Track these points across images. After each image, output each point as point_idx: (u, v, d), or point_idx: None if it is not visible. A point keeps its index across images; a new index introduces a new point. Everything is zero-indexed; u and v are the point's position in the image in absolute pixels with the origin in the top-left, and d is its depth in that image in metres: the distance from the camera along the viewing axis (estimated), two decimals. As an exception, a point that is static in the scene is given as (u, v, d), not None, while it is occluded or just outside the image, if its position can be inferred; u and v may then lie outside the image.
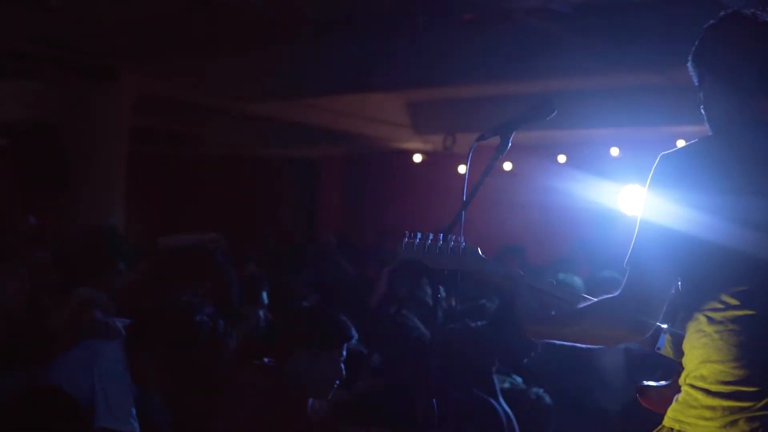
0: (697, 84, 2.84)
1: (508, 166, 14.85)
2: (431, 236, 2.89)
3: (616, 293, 2.58)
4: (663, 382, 2.75)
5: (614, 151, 14.34)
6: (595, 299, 2.66)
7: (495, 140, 3.10)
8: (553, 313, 2.81)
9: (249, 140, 17.22)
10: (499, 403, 5.00)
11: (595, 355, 6.01)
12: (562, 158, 15.14)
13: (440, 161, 17.05)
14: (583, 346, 2.78)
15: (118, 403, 4.08)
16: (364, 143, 16.89)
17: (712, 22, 2.81)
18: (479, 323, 5.29)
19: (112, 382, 4.12)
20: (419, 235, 2.90)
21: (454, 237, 2.89)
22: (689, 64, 2.85)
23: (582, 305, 2.68)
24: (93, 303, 5.42)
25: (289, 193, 18.58)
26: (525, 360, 5.67)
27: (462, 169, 16.65)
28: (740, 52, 2.74)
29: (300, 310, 5.18)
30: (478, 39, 9.98)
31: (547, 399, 5.59)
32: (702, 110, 2.84)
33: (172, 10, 8.84)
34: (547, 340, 2.81)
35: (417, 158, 17.20)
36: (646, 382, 2.78)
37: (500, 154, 3.01)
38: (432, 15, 8.81)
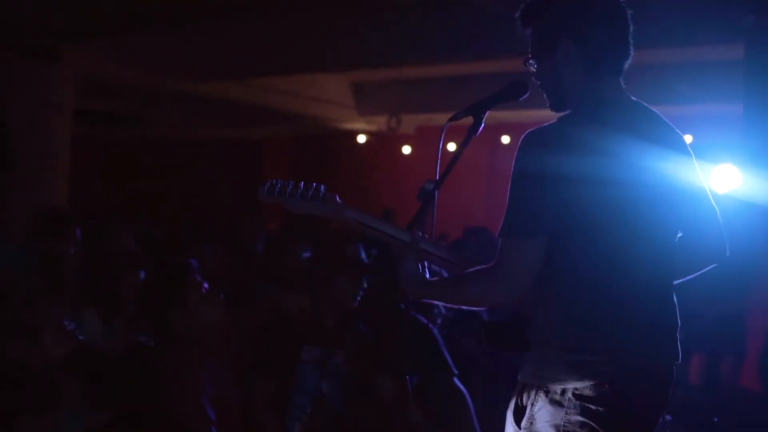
0: (538, 49, 2.86)
1: (452, 146, 14.88)
2: (292, 183, 2.95)
3: (494, 262, 2.70)
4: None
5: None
6: (479, 266, 2.78)
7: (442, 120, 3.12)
8: (441, 276, 2.97)
9: (193, 121, 17.13)
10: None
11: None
12: (506, 139, 15.25)
13: (385, 142, 17.10)
14: (465, 308, 3.00)
15: None
16: (308, 124, 16.86)
17: None
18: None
19: None
20: (280, 181, 2.95)
21: (314, 184, 2.96)
22: (535, 26, 2.86)
23: (467, 271, 2.79)
24: None
25: (232, 174, 18.50)
26: None
27: (406, 149, 16.75)
28: (613, 32, 2.81)
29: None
30: (423, 20, 9.99)
31: None
32: (541, 79, 2.89)
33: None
34: (430, 301, 2.96)
35: (361, 139, 17.22)
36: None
37: (473, 134, 3.02)
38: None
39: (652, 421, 2.75)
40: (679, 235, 2.85)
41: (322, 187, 2.96)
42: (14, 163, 10.83)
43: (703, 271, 2.95)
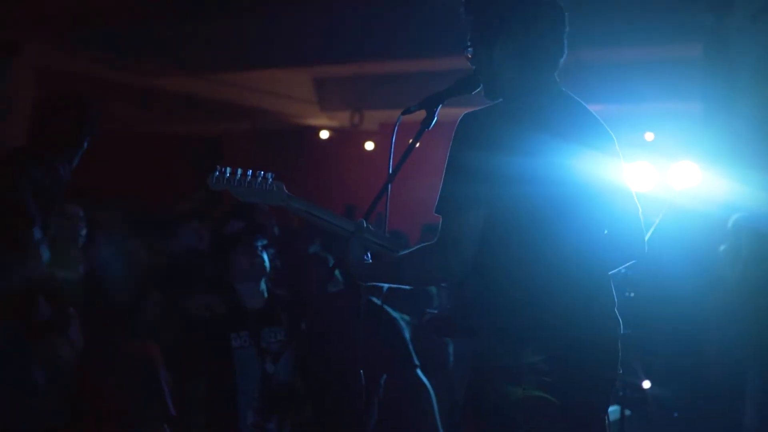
0: (477, 41, 2.95)
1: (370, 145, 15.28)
2: (241, 171, 3.01)
3: (434, 240, 2.78)
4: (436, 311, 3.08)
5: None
6: (417, 246, 2.88)
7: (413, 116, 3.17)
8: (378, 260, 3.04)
9: (152, 116, 16.96)
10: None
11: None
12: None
13: (347, 138, 17.05)
14: (407, 287, 3.04)
15: None
16: (269, 120, 16.76)
17: None
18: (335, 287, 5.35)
19: None
20: (229, 169, 3.01)
21: (262, 173, 3.02)
22: (476, 18, 2.94)
23: (412, 249, 2.89)
24: None
25: (191, 171, 18.32)
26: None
27: (369, 145, 16.72)
28: (550, 33, 2.91)
29: None
30: (385, 15, 9.98)
31: None
32: (477, 68, 2.97)
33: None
34: (377, 283, 3.04)
35: (324, 135, 17.15)
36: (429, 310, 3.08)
37: (426, 127, 3.09)
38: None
39: (603, 389, 2.85)
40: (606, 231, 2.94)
41: (270, 175, 3.03)
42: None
43: (624, 266, 3.04)
